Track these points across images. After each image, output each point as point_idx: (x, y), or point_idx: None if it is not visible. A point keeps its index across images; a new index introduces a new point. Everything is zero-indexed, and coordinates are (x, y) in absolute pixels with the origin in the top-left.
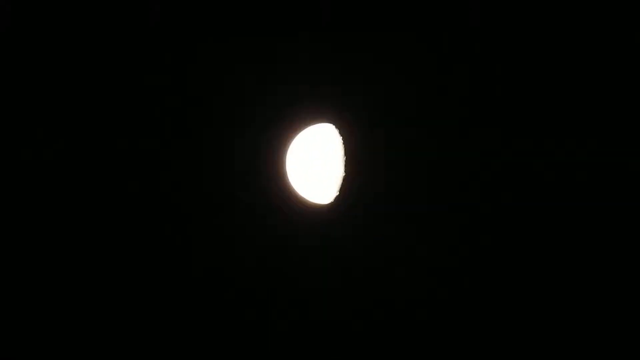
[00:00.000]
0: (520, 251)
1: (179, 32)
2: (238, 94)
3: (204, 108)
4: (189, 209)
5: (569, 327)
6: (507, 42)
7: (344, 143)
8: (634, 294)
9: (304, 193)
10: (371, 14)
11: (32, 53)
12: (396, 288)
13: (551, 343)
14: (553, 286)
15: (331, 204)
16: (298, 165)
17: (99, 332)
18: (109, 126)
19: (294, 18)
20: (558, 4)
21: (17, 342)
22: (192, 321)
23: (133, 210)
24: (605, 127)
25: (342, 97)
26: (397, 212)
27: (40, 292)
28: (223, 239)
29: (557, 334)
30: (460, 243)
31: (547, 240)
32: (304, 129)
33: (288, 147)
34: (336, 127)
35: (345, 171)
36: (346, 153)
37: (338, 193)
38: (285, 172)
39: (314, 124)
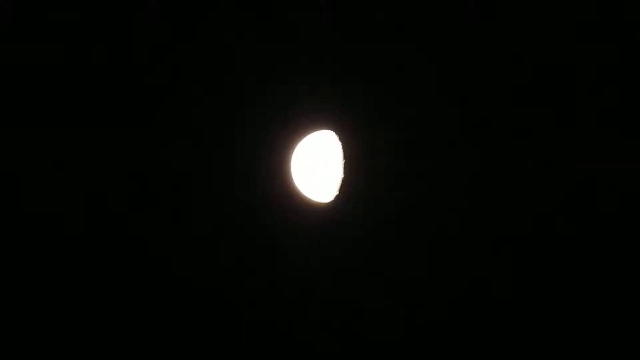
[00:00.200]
0: (519, 252)
1: (180, 32)
2: (239, 95)
3: (204, 108)
4: (190, 209)
5: (572, 329)
6: (508, 42)
7: (343, 148)
8: (634, 294)
9: (306, 192)
10: (370, 15)
11: (31, 53)
12: (395, 287)
13: (553, 345)
14: (556, 289)
15: (332, 202)
16: (301, 167)
17: (99, 331)
18: (109, 126)
19: (294, 18)
20: (558, 4)
21: (19, 341)
22: (193, 321)
23: (134, 210)
24: (606, 128)
25: (341, 102)
26: (396, 212)
27: (41, 292)
28: (225, 238)
29: (559, 336)
30: (460, 244)
31: (550, 242)
32: (305, 134)
33: (291, 149)
34: (336, 133)
35: (344, 173)
36: (345, 157)
37: (338, 193)
38: (289, 172)
39: (315, 130)
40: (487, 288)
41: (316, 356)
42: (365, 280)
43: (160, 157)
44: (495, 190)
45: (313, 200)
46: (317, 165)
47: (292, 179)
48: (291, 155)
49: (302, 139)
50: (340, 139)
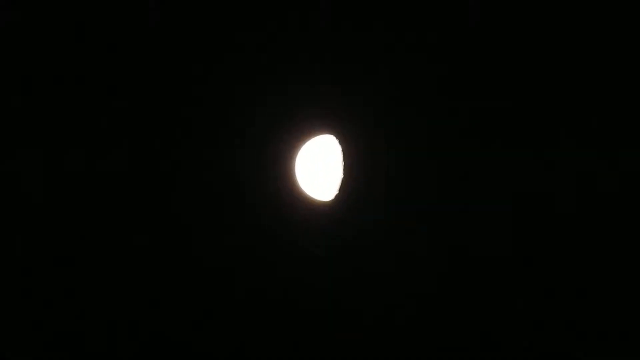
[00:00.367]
0: (518, 252)
1: (180, 33)
2: (241, 96)
3: (205, 109)
4: (199, 208)
5: (575, 330)
6: (508, 42)
7: (342, 151)
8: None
9: (309, 192)
10: (370, 15)
11: (31, 49)
12: (393, 287)
13: (555, 345)
14: (557, 289)
15: (332, 201)
16: (304, 168)
17: (99, 331)
18: (109, 125)
19: (294, 17)
20: (558, 4)
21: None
22: (197, 321)
23: (139, 211)
24: (608, 128)
25: (341, 109)
26: (393, 210)
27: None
28: (233, 234)
29: (562, 336)
30: (459, 243)
31: (551, 242)
32: (308, 139)
33: (295, 152)
34: (336, 137)
35: (343, 174)
36: (344, 159)
37: (338, 192)
38: (294, 173)
39: (317, 135)
40: (486, 286)
41: (321, 354)
42: (364, 274)
43: (166, 159)
44: (494, 190)
45: (315, 199)
46: (320, 166)
47: (297, 180)
48: (295, 158)
49: (305, 142)
50: (340, 142)
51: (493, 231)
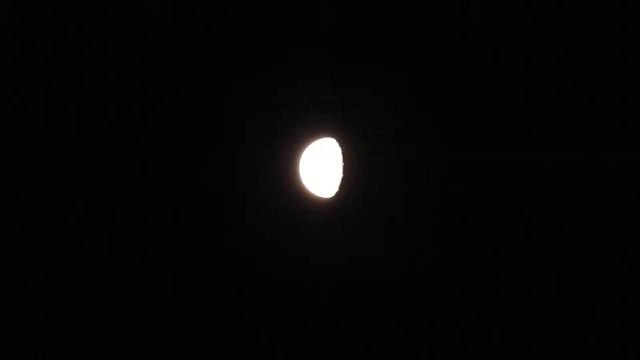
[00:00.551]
0: (516, 253)
1: (180, 34)
2: (251, 102)
3: (207, 109)
4: (203, 207)
5: (580, 332)
6: (508, 42)
7: (342, 153)
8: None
9: (312, 190)
10: (369, 15)
11: (31, 48)
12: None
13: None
14: (558, 289)
15: (333, 198)
16: (308, 168)
17: (100, 331)
18: (112, 125)
19: (294, 17)
20: (558, 4)
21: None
22: (199, 320)
23: (150, 210)
24: (609, 128)
25: (341, 115)
26: (389, 208)
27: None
28: (241, 229)
29: (565, 338)
30: (457, 244)
31: (547, 242)
32: (311, 141)
33: (299, 153)
34: (337, 140)
35: (343, 173)
36: (344, 160)
37: (338, 190)
38: (298, 173)
39: (319, 138)
40: (485, 286)
41: (325, 353)
42: (361, 268)
43: (165, 158)
44: (492, 190)
45: (317, 196)
46: (322, 167)
47: (301, 179)
48: (300, 159)
49: (309, 145)
50: (340, 145)
51: (489, 232)
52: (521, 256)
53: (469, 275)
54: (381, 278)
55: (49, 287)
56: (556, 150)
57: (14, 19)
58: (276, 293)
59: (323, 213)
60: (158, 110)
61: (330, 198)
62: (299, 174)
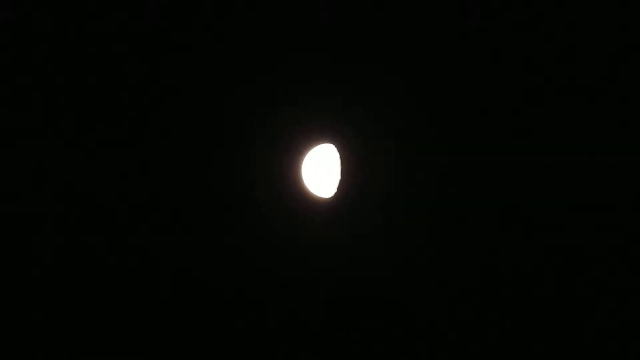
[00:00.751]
0: (515, 252)
1: (180, 35)
2: (244, 98)
3: (207, 109)
4: (198, 207)
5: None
6: (508, 42)
7: (340, 157)
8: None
9: (313, 190)
10: (369, 15)
11: (31, 48)
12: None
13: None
14: (557, 289)
15: (332, 198)
16: (309, 171)
17: (100, 331)
18: (109, 126)
19: (293, 17)
20: (558, 4)
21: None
22: (199, 320)
23: (154, 210)
24: (609, 128)
25: (339, 124)
26: (384, 207)
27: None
28: (246, 227)
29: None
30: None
31: (544, 242)
32: (313, 146)
33: (302, 157)
34: (335, 146)
35: (341, 176)
36: (342, 164)
37: (337, 191)
38: (300, 175)
39: (320, 144)
40: (483, 284)
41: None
42: (360, 267)
43: (166, 158)
44: (491, 190)
45: (317, 196)
46: (322, 169)
47: (302, 180)
48: (302, 162)
49: (310, 150)
50: (338, 150)
51: (490, 231)
52: (520, 256)
53: (468, 275)
54: (380, 277)
55: (49, 287)
56: (556, 150)
57: (14, 19)
58: (276, 293)
59: (322, 212)
60: (158, 110)
61: (329, 198)
62: (299, 174)
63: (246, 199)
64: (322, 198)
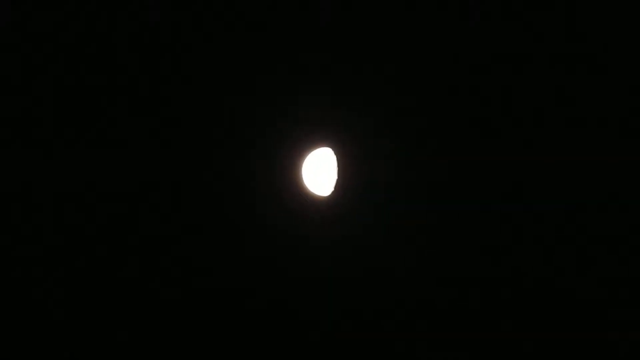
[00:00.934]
0: (515, 252)
1: (180, 35)
2: (246, 98)
3: (208, 110)
4: (220, 205)
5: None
6: (508, 42)
7: (337, 159)
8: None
9: (311, 189)
10: (369, 15)
11: (31, 49)
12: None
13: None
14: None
15: (329, 196)
16: (308, 171)
17: (101, 330)
18: (116, 127)
19: (293, 17)
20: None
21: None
22: (199, 319)
23: (161, 210)
24: (610, 127)
25: (339, 127)
26: (379, 205)
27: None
28: (250, 224)
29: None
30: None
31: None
32: (312, 149)
33: (302, 159)
34: (332, 149)
35: (337, 176)
36: (338, 165)
37: (333, 189)
38: (300, 175)
39: (318, 147)
40: (483, 283)
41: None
42: (356, 256)
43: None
44: (489, 189)
45: (315, 194)
46: (320, 170)
47: (302, 180)
48: (301, 163)
49: (309, 152)
50: (335, 153)
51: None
52: (520, 255)
53: (468, 274)
54: (378, 276)
55: (50, 287)
56: (557, 150)
57: (14, 19)
58: (278, 284)
59: (321, 209)
60: (163, 111)
61: (327, 196)
62: (299, 175)
63: (252, 197)
64: (320, 196)
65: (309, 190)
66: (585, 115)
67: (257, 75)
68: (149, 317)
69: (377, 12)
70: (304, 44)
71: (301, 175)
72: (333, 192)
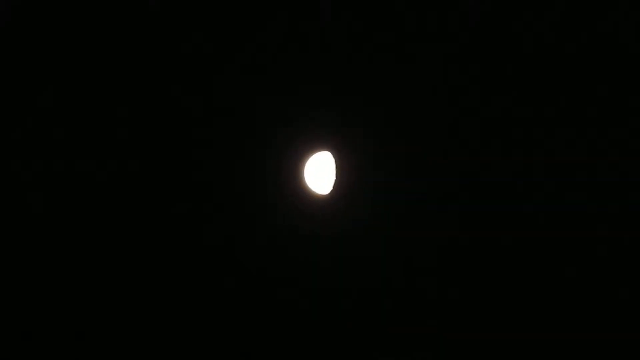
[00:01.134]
0: (515, 251)
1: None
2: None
3: (209, 113)
4: (218, 203)
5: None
6: (508, 42)
7: (335, 161)
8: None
9: (312, 187)
10: (369, 16)
11: (32, 48)
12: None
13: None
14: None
15: (328, 195)
16: (309, 172)
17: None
18: (118, 127)
19: (293, 17)
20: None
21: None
22: (199, 319)
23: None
24: (609, 128)
25: (338, 131)
26: (374, 203)
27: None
28: (254, 222)
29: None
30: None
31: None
32: (314, 152)
33: (304, 162)
34: (331, 153)
35: (336, 176)
36: (337, 166)
37: (332, 189)
38: (302, 175)
39: (319, 150)
40: (482, 283)
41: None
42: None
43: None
44: (488, 189)
45: (316, 193)
46: (320, 171)
47: (304, 179)
48: (304, 165)
49: (311, 155)
50: (334, 157)
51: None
52: (520, 255)
53: (466, 274)
54: (368, 258)
55: (53, 287)
56: (557, 150)
57: (14, 20)
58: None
59: (321, 206)
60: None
61: (326, 194)
62: (302, 176)
63: (262, 194)
64: (320, 195)
65: (311, 189)
66: (588, 116)
67: (255, 75)
68: (144, 317)
69: (377, 13)
70: (304, 45)
71: (304, 175)
72: (332, 191)
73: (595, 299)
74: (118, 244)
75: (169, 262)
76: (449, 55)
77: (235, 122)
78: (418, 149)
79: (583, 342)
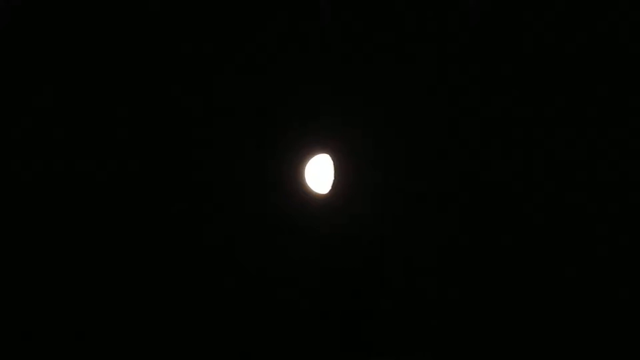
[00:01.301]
0: (515, 251)
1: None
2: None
3: (209, 116)
4: (228, 205)
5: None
6: (508, 42)
7: (334, 163)
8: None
9: (312, 187)
10: (369, 16)
11: (32, 48)
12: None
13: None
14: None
15: (327, 194)
16: (309, 173)
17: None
18: (120, 127)
19: (293, 17)
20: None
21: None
22: (199, 319)
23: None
24: (609, 128)
25: (334, 139)
26: (370, 202)
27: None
28: (256, 221)
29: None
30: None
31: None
32: (313, 154)
33: (304, 163)
34: (330, 155)
35: (334, 177)
36: (335, 167)
37: (331, 188)
38: (303, 176)
39: (319, 153)
40: (482, 283)
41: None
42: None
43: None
44: (487, 189)
45: (316, 192)
46: (320, 172)
47: (304, 180)
48: (304, 167)
49: (311, 157)
50: (332, 159)
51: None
52: (520, 254)
53: (466, 274)
54: (373, 273)
55: (53, 287)
56: (557, 150)
57: (14, 20)
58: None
59: (320, 205)
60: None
61: (325, 194)
62: (302, 176)
63: (265, 193)
64: (320, 194)
65: (311, 189)
66: (589, 116)
67: (254, 75)
68: (143, 317)
69: (377, 13)
70: (304, 45)
71: (304, 176)
72: (330, 191)
73: (595, 299)
74: (118, 244)
75: (169, 262)
76: (449, 55)
77: (235, 122)
78: (418, 149)
79: (583, 342)
